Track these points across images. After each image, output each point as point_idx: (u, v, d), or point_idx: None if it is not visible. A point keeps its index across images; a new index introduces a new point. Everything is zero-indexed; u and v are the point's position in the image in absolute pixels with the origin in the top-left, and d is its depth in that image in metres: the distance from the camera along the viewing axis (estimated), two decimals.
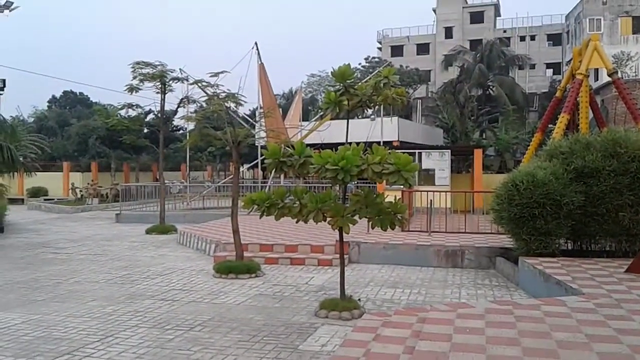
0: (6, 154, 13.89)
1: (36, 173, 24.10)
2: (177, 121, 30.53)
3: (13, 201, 29.03)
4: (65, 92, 67.56)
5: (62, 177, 38.24)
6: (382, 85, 8.35)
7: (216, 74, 14.64)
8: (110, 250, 14.45)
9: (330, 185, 14.38)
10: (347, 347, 5.97)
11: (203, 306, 8.56)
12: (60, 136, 46.89)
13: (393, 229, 8.07)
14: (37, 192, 35.74)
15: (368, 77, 13.01)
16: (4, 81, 28.21)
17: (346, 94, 8.39)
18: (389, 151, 7.62)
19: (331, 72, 8.46)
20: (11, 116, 43.67)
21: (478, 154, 21.30)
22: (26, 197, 35.06)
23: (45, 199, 33.64)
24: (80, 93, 67.28)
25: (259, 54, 26.63)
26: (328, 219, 7.85)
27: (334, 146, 8.46)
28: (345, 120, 8.65)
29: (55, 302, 8.85)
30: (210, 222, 18.80)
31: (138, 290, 9.69)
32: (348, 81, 8.36)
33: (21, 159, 17.21)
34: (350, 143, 7.74)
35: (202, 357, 6.20)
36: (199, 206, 25.31)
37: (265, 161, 8.10)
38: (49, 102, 66.29)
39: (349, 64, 8.55)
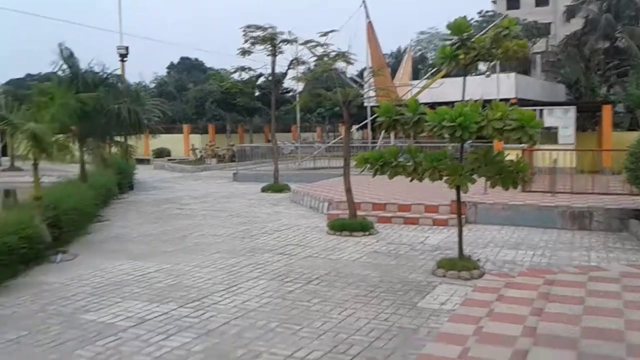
0: (133, 117, 14.86)
1: (159, 135, 25.67)
2: (287, 83, 30.98)
3: (140, 161, 31.20)
4: (182, 58, 70.83)
5: (183, 138, 40.46)
6: (502, 36, 7.87)
7: (325, 34, 14.58)
8: (229, 207, 15.15)
9: (444, 145, 14.02)
10: (469, 306, 5.84)
11: (319, 261, 8.74)
12: (180, 100, 49.46)
13: (515, 188, 7.70)
14: (161, 153, 38.13)
15: (484, 31, 12.32)
16: (127, 48, 29.99)
17: (462, 47, 7.98)
18: (511, 107, 7.20)
19: (446, 24, 8.08)
20: (135, 82, 46.60)
21: (607, 110, 19.67)
22: (152, 157, 37.52)
23: (168, 159, 35.84)
24: (196, 59, 70.24)
25: (367, 11, 26.16)
26: (444, 177, 7.63)
27: (447, 105, 8.14)
28: (458, 78, 8.26)
29: (183, 254, 9.45)
30: (321, 181, 19.09)
31: (257, 245, 10.09)
32: (464, 34, 7.95)
33: (146, 121, 18.36)
34: (467, 101, 7.40)
35: (321, 309, 6.35)
36: (310, 166, 25.77)
37: (377, 119, 7.96)
38: (167, 68, 69.87)
39: (464, 17, 8.13)
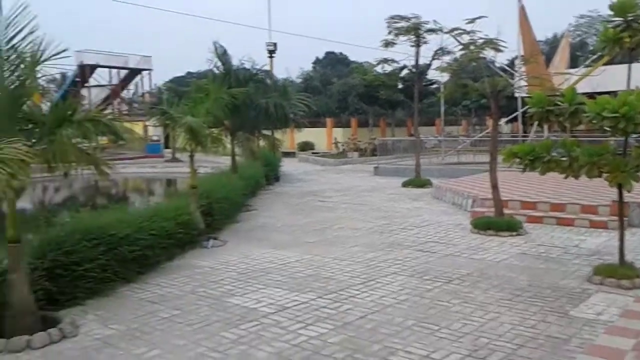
0: (279, 111, 15.48)
1: (304, 129, 26.50)
2: (431, 74, 30.29)
3: (286, 154, 32.48)
4: (327, 53, 72.37)
5: (326, 132, 41.44)
6: None
7: (472, 20, 13.91)
8: (369, 201, 15.18)
9: (605, 139, 12.75)
10: (629, 318, 5.25)
11: (461, 260, 8.40)
12: (324, 94, 50.68)
13: None
14: (306, 146, 39.40)
15: None
16: (275, 45, 31.26)
17: (628, 29, 7.16)
18: None
19: (609, 5, 7.29)
20: (282, 77, 48.52)
21: None
22: (297, 150, 38.92)
23: (312, 153, 36.91)
24: (340, 53, 71.34)
25: None
26: (604, 175, 6.90)
27: (608, 95, 7.33)
28: (623, 65, 7.40)
29: (323, 245, 9.61)
30: (465, 177, 18.39)
31: (396, 240, 9.96)
32: (630, 15, 7.10)
33: (291, 115, 18.99)
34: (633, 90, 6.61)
35: (461, 311, 6.07)
36: (453, 161, 25.00)
37: (529, 111, 7.40)
38: (313, 63, 71.81)
39: None
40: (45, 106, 10.47)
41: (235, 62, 15.04)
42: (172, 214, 8.65)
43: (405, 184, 18.59)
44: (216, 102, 11.01)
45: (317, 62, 72.09)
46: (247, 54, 16.82)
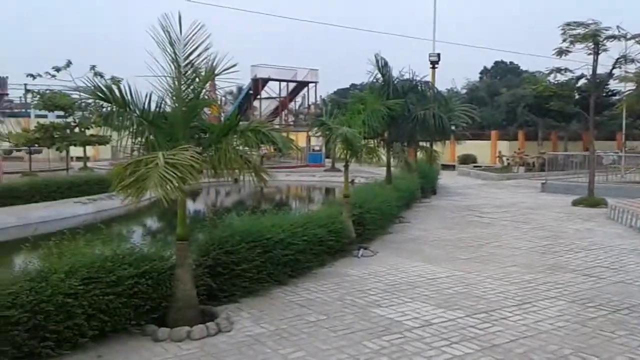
0: (438, 122, 15.17)
1: (465, 141, 25.70)
2: (612, 84, 27.64)
3: (445, 167, 31.77)
4: (496, 62, 69.57)
5: (490, 145, 39.81)
6: None
7: None
8: (533, 219, 14.24)
9: None
10: None
11: (633, 288, 7.53)
12: (490, 106, 48.73)
13: None
14: (467, 159, 38.19)
15: None
16: (438, 55, 30.79)
17: None
18: None
19: None
20: (446, 88, 47.55)
21: None
22: (457, 163, 37.89)
23: (474, 166, 35.67)
24: (511, 62, 68.09)
25: None
26: None
27: None
28: None
29: (476, 263, 9.22)
30: None
31: (559, 262, 9.22)
32: None
33: (453, 127, 18.50)
34: None
35: (627, 343, 5.46)
36: (635, 179, 22.52)
37: None
38: (480, 73, 69.45)
39: None
40: (222, 116, 11.49)
41: (395, 73, 15.08)
42: (325, 222, 8.91)
43: (575, 203, 17.15)
44: (373, 113, 11.14)
45: (484, 72, 69.64)
46: (409, 65, 16.75)
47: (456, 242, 11.07)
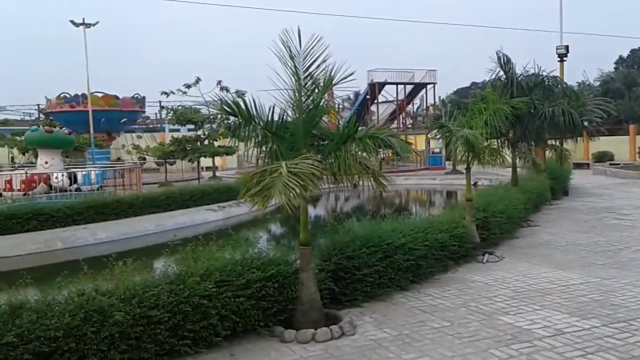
0: (567, 118, 14.27)
1: (600, 137, 23.86)
2: None
3: (578, 166, 29.77)
4: (632, 51, 64.00)
5: (628, 140, 36.68)
6: None
7: None
8: None
9: None
10: None
11: None
12: (627, 97, 44.90)
13: None
14: (602, 157, 35.44)
15: None
16: (567, 47, 28.96)
17: None
18: None
19: None
20: (577, 82, 44.50)
21: None
22: (591, 161, 35.32)
23: (610, 164, 33.06)
24: None
25: None
26: None
27: None
28: None
29: (615, 269, 8.56)
30: None
31: None
32: None
33: (585, 123, 17.29)
34: None
35: None
36: None
37: None
38: (615, 63, 64.24)
39: None
40: (340, 123, 11.69)
41: (518, 69, 14.43)
42: (447, 226, 8.74)
43: None
44: (496, 112, 10.75)
45: (620, 61, 64.32)
46: (534, 60, 15.87)
47: (591, 246, 10.35)
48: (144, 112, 44.13)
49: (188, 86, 29.74)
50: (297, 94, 6.54)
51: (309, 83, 6.60)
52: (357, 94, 46.60)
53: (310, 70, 6.54)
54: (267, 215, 17.99)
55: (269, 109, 6.47)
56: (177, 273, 5.89)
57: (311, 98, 6.65)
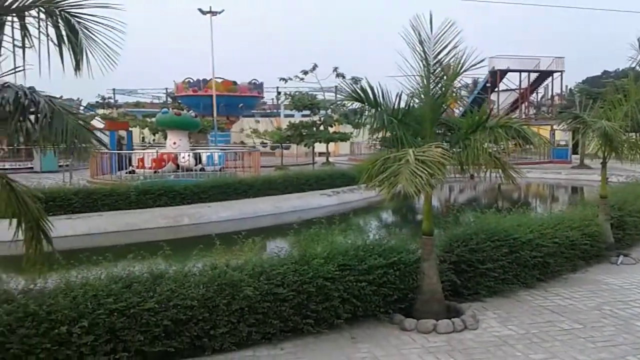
0: None
1: None
2: None
3: None
4: None
5: None
6: None
7: None
8: None
9: None
10: None
11: None
12: None
13: None
14: None
15: None
16: None
17: None
18: None
19: None
20: None
21: None
22: None
23: None
24: None
25: None
26: None
27: None
28: None
29: None
30: None
31: None
32: None
33: None
34: None
35: None
36: None
37: None
38: None
39: None
40: (458, 111, 11.34)
41: None
42: (578, 224, 8.22)
43: None
44: (637, 104, 9.88)
45: None
46: None
47: None
48: (262, 97, 45.69)
49: (305, 72, 30.33)
50: (424, 81, 6.43)
51: (437, 69, 6.45)
52: (475, 82, 45.01)
53: (440, 57, 6.39)
54: (381, 202, 18.05)
55: (396, 96, 6.41)
56: (301, 254, 6.04)
57: (439, 85, 6.51)
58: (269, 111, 58.87)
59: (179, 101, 40.31)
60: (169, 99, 52.88)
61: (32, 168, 27.50)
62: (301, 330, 5.68)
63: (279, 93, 51.40)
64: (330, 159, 32.25)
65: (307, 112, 32.02)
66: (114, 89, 58.17)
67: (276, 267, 5.76)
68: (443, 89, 6.50)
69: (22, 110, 4.14)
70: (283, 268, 5.74)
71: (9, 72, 4.38)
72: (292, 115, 46.61)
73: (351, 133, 30.24)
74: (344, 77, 28.84)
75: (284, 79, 31.65)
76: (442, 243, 6.96)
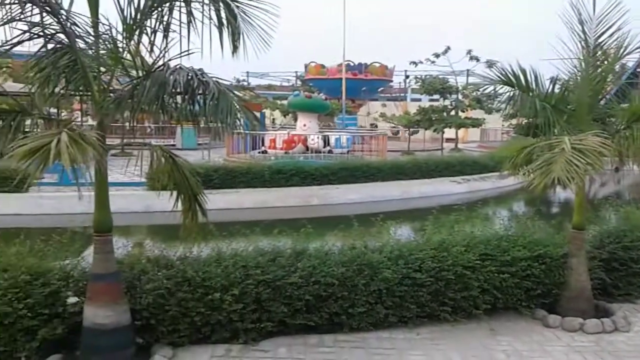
0: None
1: None
2: None
3: None
4: None
5: None
6: None
7: None
8: None
9: None
10: None
11: None
12: None
13: None
14: None
15: None
16: None
17: None
18: None
19: None
20: None
21: None
22: None
23: None
24: None
25: None
26: None
27: None
28: None
29: None
30: None
31: None
32: None
33: None
34: None
35: None
36: None
37: None
38: None
39: None
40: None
41: None
42: None
43: None
44: None
45: None
46: None
47: None
48: (390, 81, 45.35)
49: (437, 55, 29.58)
50: (583, 64, 6.01)
51: (598, 53, 6.00)
52: (623, 66, 41.23)
53: (602, 39, 5.93)
54: (512, 192, 17.28)
55: (551, 81, 6.07)
56: (440, 240, 5.96)
57: (599, 69, 6.06)
58: (395, 95, 58.34)
59: (311, 84, 41.16)
60: (299, 82, 54.21)
61: (174, 145, 29.62)
62: (437, 317, 5.64)
63: (407, 77, 50.73)
64: (459, 146, 31.34)
65: (436, 96, 31.26)
66: (247, 72, 60.68)
67: (414, 252, 5.73)
68: (603, 73, 6.04)
69: (192, 91, 4.46)
70: (422, 253, 5.70)
71: (180, 55, 4.70)
72: (419, 100, 45.85)
73: (483, 119, 29.14)
74: (478, 60, 27.81)
75: (414, 63, 31.11)
76: (592, 239, 6.52)
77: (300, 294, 5.25)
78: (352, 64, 38.52)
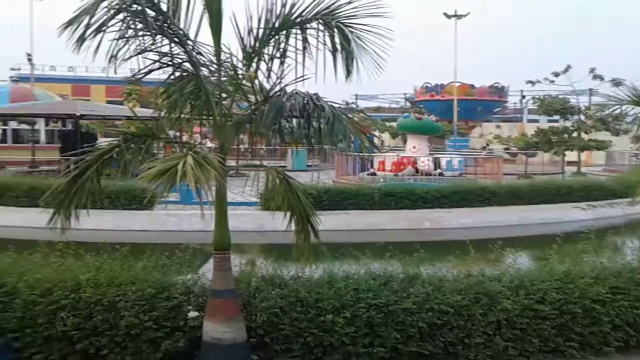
0: None
1: None
2: None
3: None
4: None
5: None
6: None
7: None
8: None
9: None
10: None
11: None
12: None
13: None
14: None
15: None
16: None
17: None
18: None
19: None
20: None
21: None
22: None
23: None
24: None
25: None
26: None
27: None
28: None
29: None
30: None
31: None
32: None
33: None
34: None
35: None
36: None
37: None
38: None
39: None
40: None
41: None
42: None
43: None
44: None
45: None
46: None
47: None
48: (505, 101, 43.81)
49: (556, 74, 28.11)
50: None
51: None
52: None
53: None
54: None
55: None
56: (566, 271, 5.55)
57: None
58: (510, 116, 56.24)
59: (421, 105, 40.77)
60: (408, 104, 53.90)
61: (284, 167, 30.49)
62: (563, 353, 5.23)
63: (523, 97, 48.75)
64: (582, 169, 29.39)
65: (556, 117, 29.64)
66: (356, 95, 61.33)
67: (536, 282, 5.39)
68: None
69: (307, 115, 4.55)
70: (545, 284, 5.34)
71: (295, 80, 4.83)
72: (537, 120, 43.77)
73: (610, 141, 27.13)
74: (602, 78, 26.09)
75: (531, 82, 29.81)
76: None
77: (413, 321, 5.10)
78: (429, 86, 37.77)
